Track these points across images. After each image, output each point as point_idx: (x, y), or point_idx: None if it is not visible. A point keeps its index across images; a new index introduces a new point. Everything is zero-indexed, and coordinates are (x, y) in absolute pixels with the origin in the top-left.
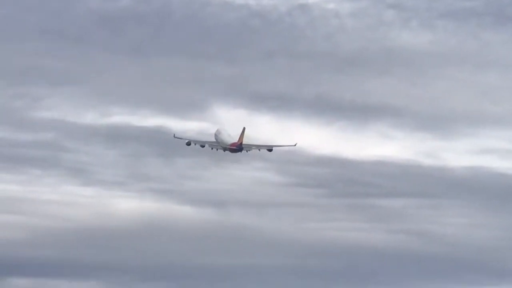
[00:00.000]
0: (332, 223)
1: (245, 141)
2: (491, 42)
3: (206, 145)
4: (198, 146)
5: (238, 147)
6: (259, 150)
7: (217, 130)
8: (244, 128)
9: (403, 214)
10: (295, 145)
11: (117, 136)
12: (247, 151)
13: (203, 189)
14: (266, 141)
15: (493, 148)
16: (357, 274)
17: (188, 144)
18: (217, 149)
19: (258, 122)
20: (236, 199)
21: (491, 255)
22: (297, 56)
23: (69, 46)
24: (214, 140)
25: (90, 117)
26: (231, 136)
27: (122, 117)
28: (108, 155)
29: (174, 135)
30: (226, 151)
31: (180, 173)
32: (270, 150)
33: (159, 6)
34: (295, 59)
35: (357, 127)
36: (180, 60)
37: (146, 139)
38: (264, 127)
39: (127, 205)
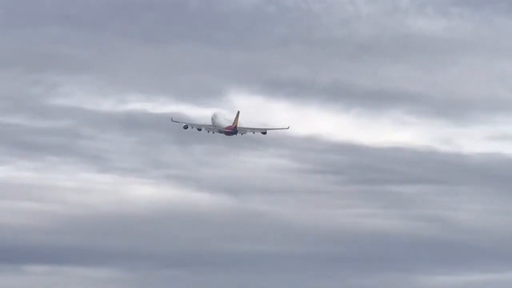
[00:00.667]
0: (348, 210)
1: (239, 124)
2: (506, 28)
3: (203, 129)
4: (195, 129)
5: (233, 130)
6: (253, 133)
7: (214, 114)
8: (238, 112)
9: (419, 200)
10: (288, 128)
11: (133, 123)
12: (242, 134)
13: (219, 176)
14: (261, 125)
15: (509, 134)
16: (373, 260)
17: (185, 127)
18: (213, 132)
19: (274, 108)
20: (253, 185)
21: (507, 241)
22: (312, 42)
23: (86, 33)
24: (211, 124)
25: (107, 104)
26: (227, 119)
27: (138, 104)
28: (125, 142)
29: (171, 119)
30: (222, 134)
31: (197, 159)
32: (264, 133)
33: None
34: (311, 45)
35: (373, 114)
36: (196, 47)
37: (163, 126)
38: (280, 114)
39: (143, 192)
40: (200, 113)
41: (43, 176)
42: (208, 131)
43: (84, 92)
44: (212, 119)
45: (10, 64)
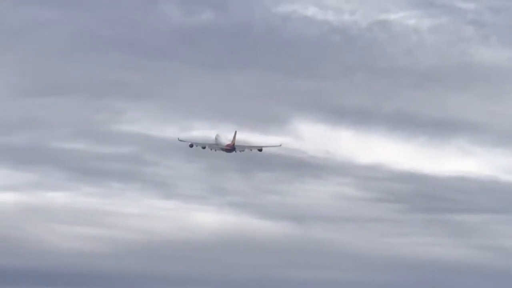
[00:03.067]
0: (411, 238)
1: (237, 142)
2: None
3: (207, 147)
4: (199, 147)
5: (231, 148)
6: (250, 150)
7: (217, 135)
8: (235, 132)
9: (481, 229)
10: (280, 145)
11: (197, 150)
12: (240, 151)
13: (282, 203)
14: (256, 142)
15: None
16: None
17: (191, 146)
18: (215, 150)
19: (338, 136)
20: (316, 213)
21: None
22: (377, 71)
23: (151, 60)
24: (214, 143)
25: (171, 131)
26: (228, 139)
27: (202, 131)
28: (188, 169)
29: (178, 138)
30: (223, 152)
31: (260, 187)
32: (260, 150)
33: (240, 21)
34: (375, 74)
35: (436, 143)
36: (261, 74)
37: (228, 154)
38: (344, 142)
39: (206, 218)
40: (265, 141)
41: (106, 202)
42: (211, 149)
43: (148, 118)
44: (215, 138)
45: (75, 91)
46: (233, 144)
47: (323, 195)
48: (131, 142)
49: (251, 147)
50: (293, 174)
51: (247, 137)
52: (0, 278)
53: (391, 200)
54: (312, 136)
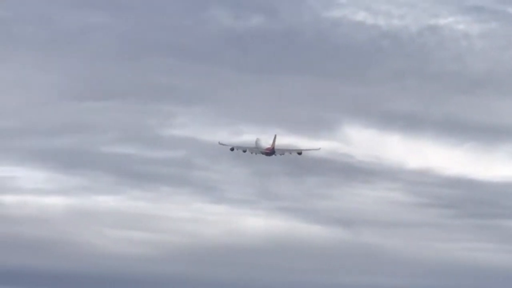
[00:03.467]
0: (461, 244)
1: (277, 146)
2: None
3: (247, 150)
4: (240, 151)
5: (271, 151)
6: (290, 153)
7: (257, 139)
8: (275, 136)
9: None
10: (319, 149)
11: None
12: (280, 155)
13: (331, 208)
14: (296, 146)
15: None
16: None
17: (232, 149)
18: (256, 153)
19: (387, 141)
20: (365, 218)
21: None
22: (426, 76)
23: (200, 64)
24: (254, 146)
25: (221, 135)
26: (268, 143)
27: (252, 135)
28: (238, 173)
29: (218, 142)
30: (263, 155)
31: (309, 191)
32: (300, 154)
33: (290, 25)
34: (425, 79)
35: (486, 148)
36: (310, 79)
37: (275, 158)
38: (393, 147)
39: (255, 223)
40: (314, 145)
41: (156, 206)
42: (252, 152)
43: (198, 123)
44: (256, 142)
45: (125, 95)
46: (273, 148)
47: (372, 200)
48: (181, 146)
49: (290, 151)
50: (342, 179)
51: (296, 141)
52: (50, 282)
53: (440, 205)
54: (361, 141)
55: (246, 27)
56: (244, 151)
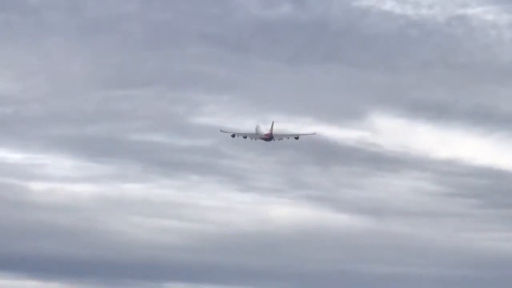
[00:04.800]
0: (488, 234)
1: (274, 132)
2: None
3: (247, 136)
4: (241, 137)
5: (269, 137)
6: (288, 138)
7: (257, 125)
8: (273, 122)
9: None
10: (315, 133)
11: (274, 144)
12: (279, 140)
13: (359, 197)
14: (292, 131)
15: None
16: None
17: (233, 136)
18: (255, 139)
19: (416, 131)
20: (393, 208)
21: None
22: (455, 66)
23: (229, 52)
24: (254, 132)
25: (248, 125)
26: (267, 129)
27: (280, 124)
28: (266, 162)
29: (220, 130)
30: (262, 141)
31: (337, 181)
32: (296, 138)
33: (318, 15)
34: (453, 69)
35: None
36: (338, 69)
37: (304, 147)
38: (422, 137)
39: (283, 212)
40: (344, 134)
41: (184, 195)
42: (251, 138)
43: (226, 111)
44: (256, 128)
45: (153, 83)
46: (271, 134)
47: (400, 189)
48: (209, 135)
49: (288, 136)
50: (370, 168)
51: (324, 130)
52: (79, 269)
53: (468, 195)
54: (389, 130)
55: (275, 16)
56: (245, 137)
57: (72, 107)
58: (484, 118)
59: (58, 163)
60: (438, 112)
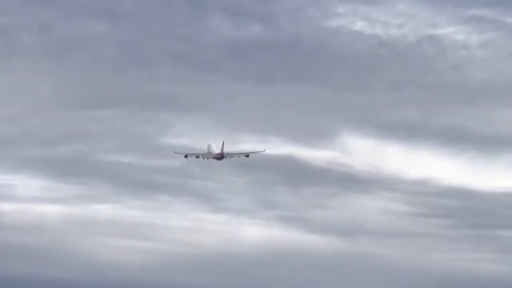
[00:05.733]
0: (459, 254)
1: (225, 151)
2: None
3: (200, 156)
4: (193, 157)
5: (221, 156)
6: (238, 156)
7: (208, 145)
8: (223, 142)
9: None
10: (264, 151)
11: (245, 164)
12: (230, 158)
13: (330, 218)
14: (242, 150)
15: None
16: None
17: (186, 156)
18: (208, 159)
19: (387, 151)
20: (363, 228)
21: None
22: (425, 86)
23: (199, 73)
24: (206, 152)
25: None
26: (218, 147)
27: (250, 145)
28: (236, 182)
29: (173, 151)
30: (214, 160)
31: (308, 201)
32: (247, 156)
33: (289, 35)
34: (424, 89)
35: (485, 158)
36: (309, 89)
37: (274, 168)
38: (392, 157)
39: (254, 232)
40: (314, 154)
41: (154, 215)
42: (204, 158)
43: (196, 131)
44: (208, 148)
45: (123, 103)
46: (222, 153)
47: (371, 209)
48: (179, 155)
49: (238, 154)
50: (340, 188)
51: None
52: None
53: (439, 215)
54: (360, 151)
55: (245, 36)
56: (197, 157)
57: (41, 127)
58: (455, 138)
59: (27, 184)
60: (408, 132)
